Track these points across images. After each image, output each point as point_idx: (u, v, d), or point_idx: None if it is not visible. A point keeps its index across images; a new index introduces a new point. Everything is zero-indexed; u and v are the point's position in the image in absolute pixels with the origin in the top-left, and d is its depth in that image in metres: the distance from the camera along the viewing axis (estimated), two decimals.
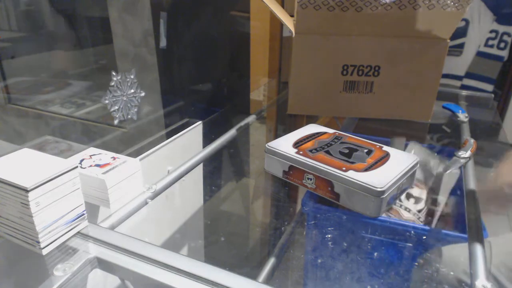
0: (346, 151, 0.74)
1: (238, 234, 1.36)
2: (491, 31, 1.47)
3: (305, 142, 0.77)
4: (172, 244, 1.01)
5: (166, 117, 1.47)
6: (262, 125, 1.36)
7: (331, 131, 0.84)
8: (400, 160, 0.70)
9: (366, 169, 0.67)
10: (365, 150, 0.74)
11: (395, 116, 1.01)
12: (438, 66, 0.95)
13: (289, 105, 1.02)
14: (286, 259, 0.84)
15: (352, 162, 0.69)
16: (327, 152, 0.73)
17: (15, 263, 0.62)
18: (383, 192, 0.63)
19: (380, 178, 0.64)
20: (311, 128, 0.84)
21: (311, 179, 0.70)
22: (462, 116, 1.13)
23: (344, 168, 0.67)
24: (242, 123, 1.08)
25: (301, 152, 0.72)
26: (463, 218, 0.69)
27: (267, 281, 0.75)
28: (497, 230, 0.76)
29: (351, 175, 0.65)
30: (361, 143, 0.78)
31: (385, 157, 0.72)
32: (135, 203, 0.69)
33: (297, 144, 0.76)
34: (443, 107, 1.20)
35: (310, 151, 0.73)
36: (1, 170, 0.51)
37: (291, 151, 0.73)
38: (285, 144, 0.76)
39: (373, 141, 0.79)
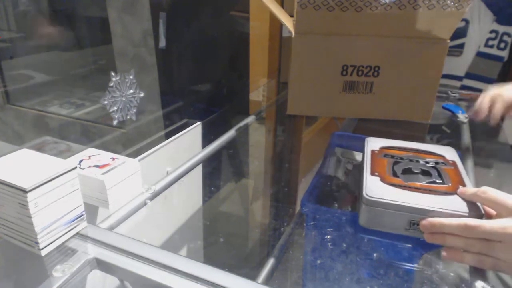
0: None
1: (237, 235, 1.36)
2: (491, 31, 1.47)
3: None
4: (171, 245, 1.01)
5: (165, 117, 1.47)
6: (262, 125, 1.36)
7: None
8: None
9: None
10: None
11: (395, 117, 1.00)
12: (438, 66, 0.94)
13: (288, 105, 1.02)
14: (285, 260, 0.84)
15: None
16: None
17: (14, 264, 0.61)
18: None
19: None
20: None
21: None
22: (462, 117, 1.13)
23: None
24: (242, 124, 1.08)
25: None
26: None
27: (266, 282, 0.75)
28: None
29: None
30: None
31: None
32: (134, 203, 0.69)
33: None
34: (443, 107, 1.20)
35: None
36: (0, 171, 0.51)
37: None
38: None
39: None
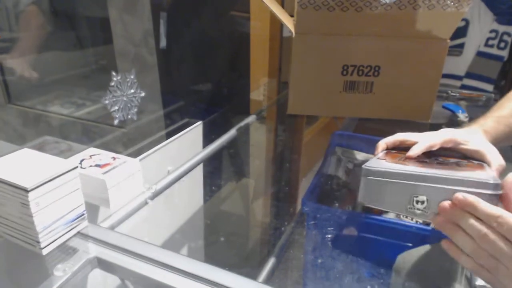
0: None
1: (238, 234, 1.36)
2: (491, 31, 1.47)
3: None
4: (172, 244, 1.01)
5: (166, 117, 1.47)
6: (262, 125, 1.36)
7: None
8: None
9: None
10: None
11: (395, 116, 1.01)
12: (438, 66, 0.95)
13: (289, 105, 1.02)
14: (286, 259, 0.84)
15: None
16: None
17: (15, 263, 0.62)
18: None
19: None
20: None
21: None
22: (462, 116, 1.13)
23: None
24: (242, 123, 1.08)
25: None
26: None
27: (267, 281, 0.75)
28: None
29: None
30: None
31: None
32: (135, 203, 0.69)
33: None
34: (443, 107, 1.20)
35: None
36: (1, 170, 0.51)
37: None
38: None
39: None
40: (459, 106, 1.20)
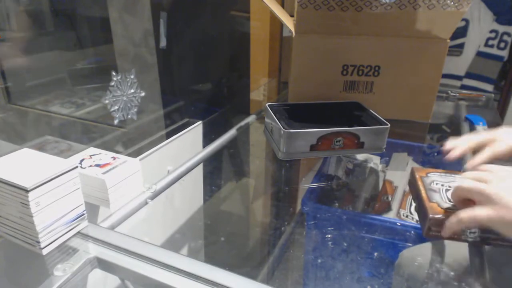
0: None
1: (238, 234, 1.36)
2: (491, 31, 1.47)
3: None
4: (172, 244, 1.01)
5: (166, 117, 1.47)
6: (262, 125, 1.35)
7: None
8: None
9: None
10: None
11: (395, 116, 1.01)
12: (438, 66, 0.95)
13: None
14: (286, 259, 0.85)
15: None
16: None
17: (15, 263, 0.62)
18: None
19: None
20: None
21: (339, 141, 0.80)
22: (481, 129, 1.06)
23: None
24: (242, 123, 1.08)
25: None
26: None
27: (267, 281, 0.75)
28: None
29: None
30: None
31: None
32: (135, 203, 0.69)
33: None
34: (466, 118, 1.13)
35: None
36: (1, 170, 0.51)
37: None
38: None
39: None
40: (480, 117, 1.10)
